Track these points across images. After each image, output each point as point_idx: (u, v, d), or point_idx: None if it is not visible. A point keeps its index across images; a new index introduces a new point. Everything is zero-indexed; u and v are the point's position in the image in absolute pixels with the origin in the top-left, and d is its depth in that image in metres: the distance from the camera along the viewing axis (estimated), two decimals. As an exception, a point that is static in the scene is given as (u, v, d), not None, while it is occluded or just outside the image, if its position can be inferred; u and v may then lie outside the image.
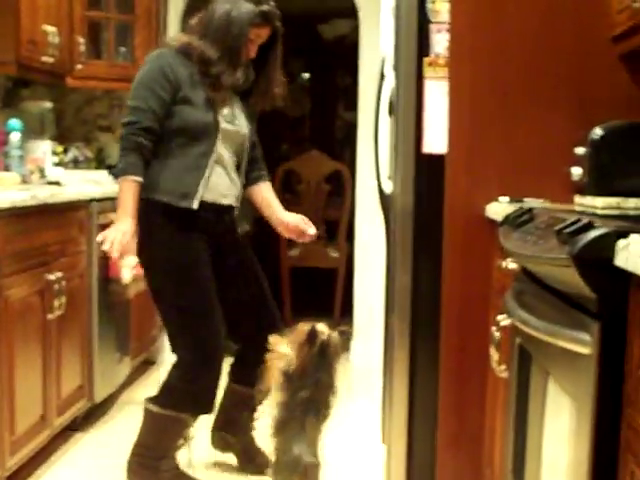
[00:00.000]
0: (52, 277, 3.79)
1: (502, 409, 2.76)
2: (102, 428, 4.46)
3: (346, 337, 3.50)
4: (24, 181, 4.44)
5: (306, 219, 3.76)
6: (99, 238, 3.30)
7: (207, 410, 3.58)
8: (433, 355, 3.24)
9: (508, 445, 2.54)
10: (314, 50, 9.63)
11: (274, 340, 3.43)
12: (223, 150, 3.51)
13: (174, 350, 3.55)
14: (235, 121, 3.59)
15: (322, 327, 3.35)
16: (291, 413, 3.33)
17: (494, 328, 2.70)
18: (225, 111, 3.53)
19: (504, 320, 2.59)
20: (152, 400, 3.51)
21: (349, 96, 9.33)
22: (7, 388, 3.38)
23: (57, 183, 4.44)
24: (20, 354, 3.49)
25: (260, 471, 3.70)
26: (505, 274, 2.73)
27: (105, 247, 3.26)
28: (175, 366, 3.52)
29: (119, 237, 3.26)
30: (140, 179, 3.34)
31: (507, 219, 2.51)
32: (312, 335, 3.30)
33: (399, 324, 3.30)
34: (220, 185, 3.51)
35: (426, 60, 3.18)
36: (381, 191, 3.79)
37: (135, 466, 3.53)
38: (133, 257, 4.56)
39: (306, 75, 10.15)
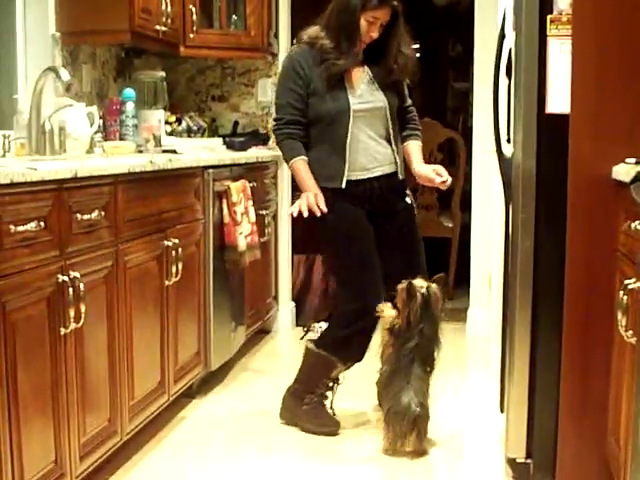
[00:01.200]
0: (169, 243, 3.80)
1: (629, 376, 2.67)
2: (218, 395, 4.49)
3: (445, 286, 3.75)
4: (139, 150, 4.46)
5: (439, 169, 3.88)
6: (292, 209, 3.80)
7: (355, 358, 3.92)
8: (555, 322, 3.15)
9: (638, 413, 2.45)
10: (425, 17, 9.47)
11: (380, 306, 3.70)
12: (362, 128, 3.81)
13: (337, 302, 4.07)
14: (369, 97, 3.84)
15: (419, 281, 3.64)
16: (398, 364, 3.60)
17: (621, 292, 2.62)
18: (357, 91, 3.83)
19: (633, 283, 2.51)
20: (312, 340, 4.03)
21: (459, 65, 9.21)
22: (126, 352, 3.42)
23: (173, 151, 4.43)
24: (138, 319, 3.52)
25: None
26: (633, 237, 2.64)
27: (305, 213, 3.72)
28: (335, 315, 4.02)
29: (312, 199, 3.72)
30: (304, 157, 3.82)
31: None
32: (410, 290, 3.59)
33: (520, 290, 3.22)
34: (363, 161, 3.82)
35: (549, 17, 3.09)
36: (500, 155, 3.71)
37: (288, 392, 4.07)
38: (248, 224, 4.58)
39: (415, 45, 10.00)
